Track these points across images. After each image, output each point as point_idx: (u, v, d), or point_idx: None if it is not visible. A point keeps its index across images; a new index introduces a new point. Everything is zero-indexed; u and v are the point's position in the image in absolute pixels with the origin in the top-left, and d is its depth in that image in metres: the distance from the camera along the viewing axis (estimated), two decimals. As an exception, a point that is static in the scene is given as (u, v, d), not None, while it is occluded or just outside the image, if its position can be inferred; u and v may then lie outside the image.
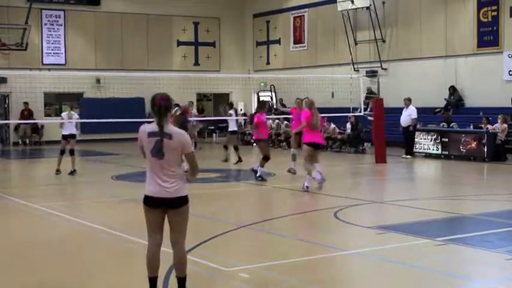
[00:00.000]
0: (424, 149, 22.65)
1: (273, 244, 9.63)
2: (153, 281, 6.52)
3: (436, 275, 7.80)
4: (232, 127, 22.01)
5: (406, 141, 23.03)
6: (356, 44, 29.43)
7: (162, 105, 6.37)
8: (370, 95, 27.05)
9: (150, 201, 6.43)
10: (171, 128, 6.44)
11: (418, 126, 23.15)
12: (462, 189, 15.45)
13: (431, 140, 22.52)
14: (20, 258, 8.90)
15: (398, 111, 24.04)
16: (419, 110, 23.90)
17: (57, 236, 10.35)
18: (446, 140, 22.04)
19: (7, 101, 32.24)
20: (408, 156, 22.28)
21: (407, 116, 22.75)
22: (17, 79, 28.65)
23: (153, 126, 6.42)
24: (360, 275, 8.05)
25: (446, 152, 21.98)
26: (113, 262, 8.58)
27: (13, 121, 30.22)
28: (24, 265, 8.46)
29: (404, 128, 22.80)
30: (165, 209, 6.46)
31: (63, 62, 32.17)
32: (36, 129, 31.87)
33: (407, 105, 22.94)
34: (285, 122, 28.01)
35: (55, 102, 32.90)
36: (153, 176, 6.41)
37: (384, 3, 28.12)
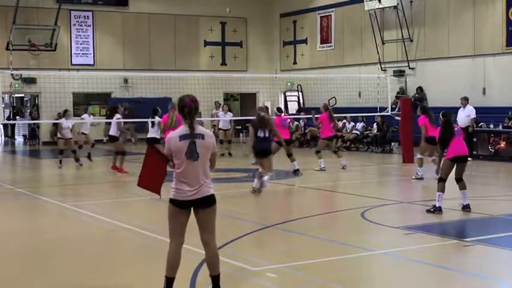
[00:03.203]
0: (452, 149, 22.43)
1: (300, 244, 9.64)
2: (171, 281, 6.53)
3: (464, 276, 7.76)
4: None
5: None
6: (383, 43, 29.29)
7: (192, 107, 6.44)
8: (402, 95, 26.91)
9: (180, 203, 6.46)
10: (201, 128, 6.50)
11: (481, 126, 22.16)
12: (491, 189, 15.32)
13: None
14: (48, 256, 9.02)
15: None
16: (447, 110, 23.67)
17: (84, 235, 10.45)
18: (475, 139, 21.83)
19: (37, 101, 32.64)
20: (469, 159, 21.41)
21: (466, 117, 21.47)
22: (46, 79, 29.05)
23: (182, 130, 6.47)
24: (387, 275, 8.03)
25: (475, 152, 21.79)
26: (138, 260, 8.65)
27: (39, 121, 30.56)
28: (51, 264, 8.58)
29: (463, 129, 20.96)
30: (193, 209, 6.50)
31: (92, 63, 32.43)
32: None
33: (464, 105, 21.72)
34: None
35: (83, 102, 33.18)
36: (187, 179, 6.40)
37: (411, 2, 27.94)
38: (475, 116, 21.75)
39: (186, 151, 6.39)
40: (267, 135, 14.03)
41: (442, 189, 11.49)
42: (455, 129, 11.91)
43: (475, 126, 21.78)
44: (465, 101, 21.89)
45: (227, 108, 25.45)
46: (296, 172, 17.46)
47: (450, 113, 12.39)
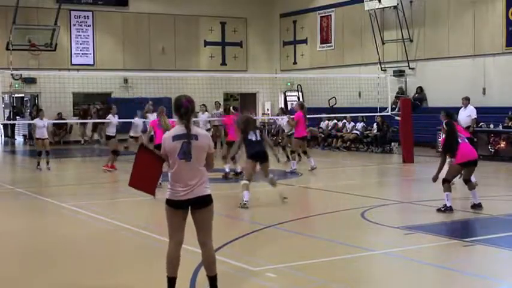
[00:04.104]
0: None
1: (300, 244, 9.63)
2: (172, 281, 6.53)
3: (464, 276, 7.75)
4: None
5: None
6: (383, 43, 29.28)
7: (189, 107, 6.43)
8: (401, 95, 26.90)
9: (175, 203, 6.46)
10: (196, 129, 6.51)
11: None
12: (491, 189, 15.31)
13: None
14: (48, 256, 9.02)
15: (426, 111, 23.94)
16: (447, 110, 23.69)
17: (83, 235, 10.45)
18: (475, 139, 21.78)
19: (37, 101, 32.62)
20: None
21: (467, 117, 21.20)
22: (46, 79, 29.06)
23: (177, 130, 6.47)
24: (387, 275, 8.03)
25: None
26: (138, 260, 8.65)
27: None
28: (51, 264, 8.57)
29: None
30: (189, 210, 6.49)
31: (92, 63, 32.43)
32: (64, 129, 32.35)
33: (465, 105, 21.50)
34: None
35: (83, 102, 33.19)
36: (180, 180, 6.40)
37: (411, 2, 27.94)
38: (476, 116, 21.66)
39: (179, 151, 6.39)
40: (259, 138, 12.83)
41: (449, 189, 11.58)
42: (460, 136, 11.93)
43: (475, 126, 21.75)
44: (466, 101, 21.80)
45: (204, 108, 25.27)
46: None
47: (452, 121, 12.39)
